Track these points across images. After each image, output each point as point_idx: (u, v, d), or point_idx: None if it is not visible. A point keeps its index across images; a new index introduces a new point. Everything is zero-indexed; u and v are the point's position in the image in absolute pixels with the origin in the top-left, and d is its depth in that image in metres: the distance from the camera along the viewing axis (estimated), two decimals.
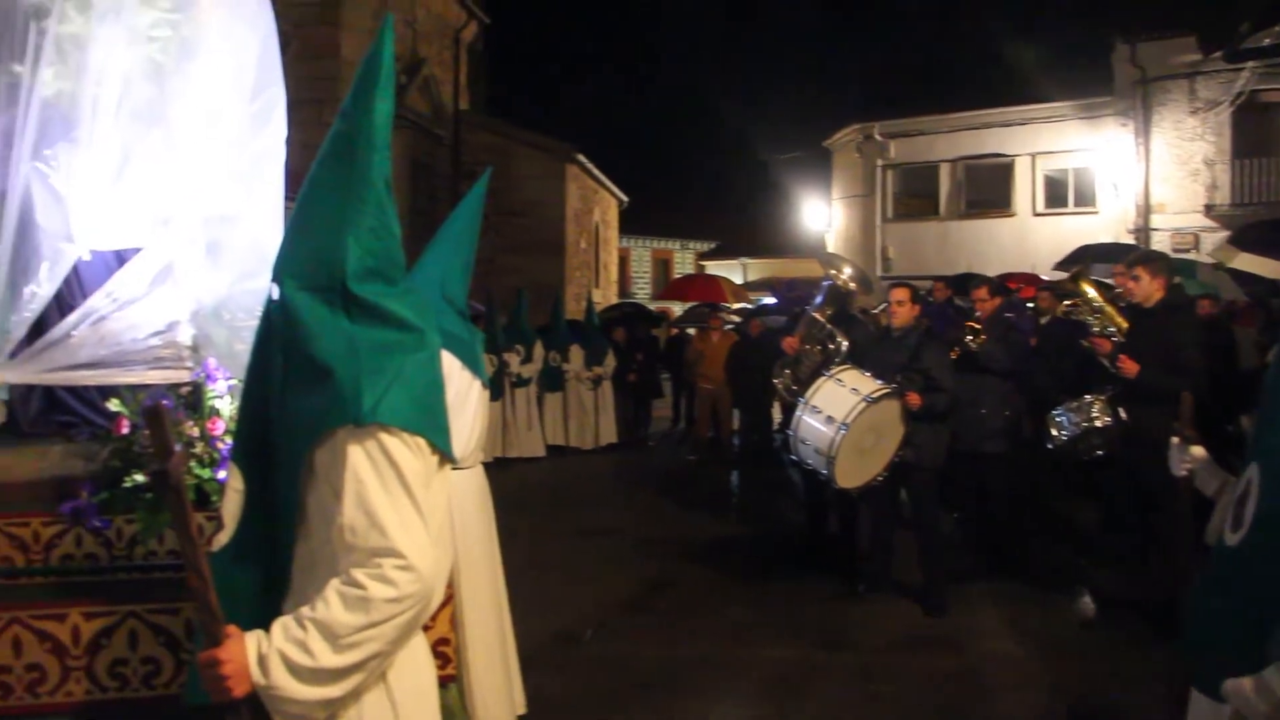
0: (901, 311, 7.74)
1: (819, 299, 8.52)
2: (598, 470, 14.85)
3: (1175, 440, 3.80)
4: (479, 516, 4.90)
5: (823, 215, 34.99)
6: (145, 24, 4.01)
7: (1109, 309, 7.37)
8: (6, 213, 3.79)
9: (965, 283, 10.75)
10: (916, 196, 30.37)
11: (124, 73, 3.96)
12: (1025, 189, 28.21)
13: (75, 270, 3.98)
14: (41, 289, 3.86)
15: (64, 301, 3.96)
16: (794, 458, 7.74)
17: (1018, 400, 8.79)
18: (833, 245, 32.80)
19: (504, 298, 16.59)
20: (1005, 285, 11.58)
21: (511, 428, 15.36)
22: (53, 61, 3.85)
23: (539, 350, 15.92)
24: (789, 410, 8.20)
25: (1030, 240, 26.96)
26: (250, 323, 4.12)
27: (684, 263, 46.90)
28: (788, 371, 8.41)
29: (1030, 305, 11.83)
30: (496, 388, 14.28)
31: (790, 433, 7.59)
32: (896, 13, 60.53)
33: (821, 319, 8.34)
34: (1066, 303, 8.32)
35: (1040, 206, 27.99)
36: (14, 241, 3.82)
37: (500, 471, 4.77)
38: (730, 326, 18.02)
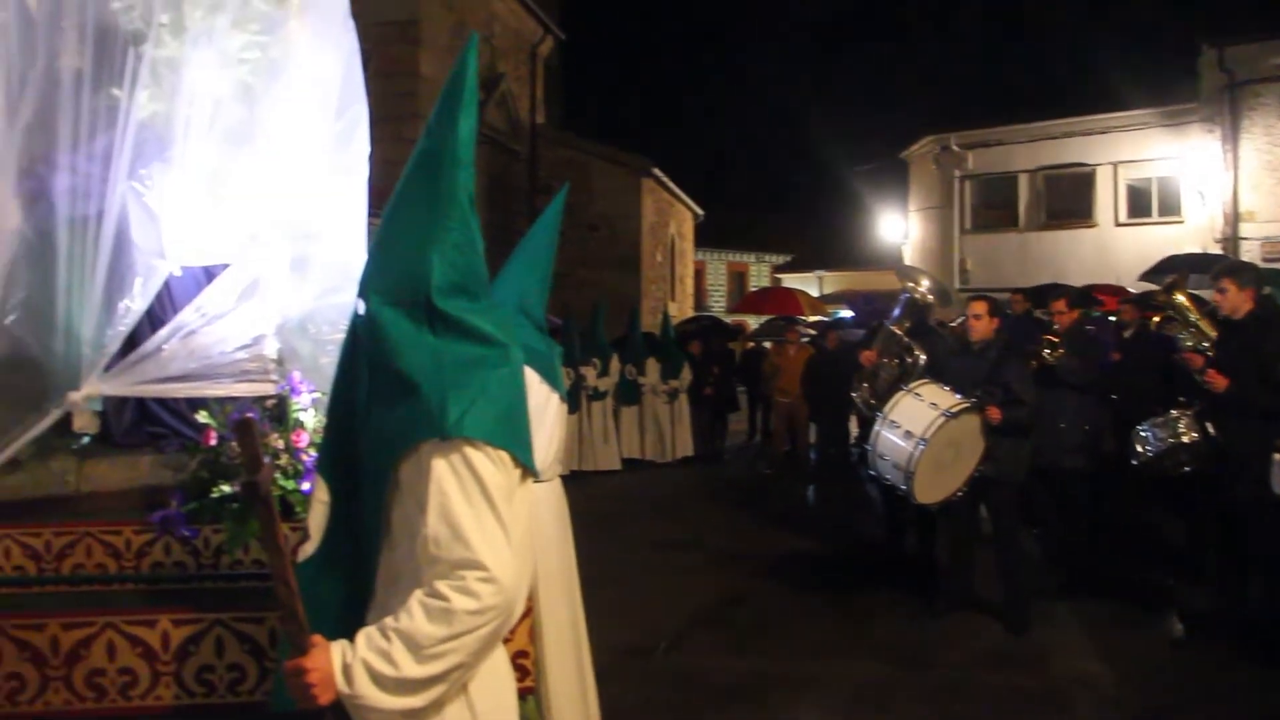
0: (980, 325, 7.64)
1: (897, 312, 8.46)
2: (673, 484, 14.84)
3: (1277, 457, 3.70)
4: (556, 530, 4.93)
5: (899, 227, 34.71)
6: (236, 47, 4.13)
7: (1203, 323, 7.21)
8: (104, 230, 3.93)
9: (1044, 295, 10.59)
10: (995, 208, 29.94)
11: (215, 94, 4.09)
12: (1107, 199, 27.66)
13: (167, 286, 4.11)
14: (135, 304, 3.98)
15: (155, 316, 4.08)
16: (872, 472, 7.68)
17: (1099, 415, 8.63)
18: (909, 258, 32.51)
19: (581, 311, 16.67)
20: (1090, 297, 11.38)
21: (587, 441, 15.42)
22: (148, 84, 3.99)
23: (615, 364, 15.95)
24: (866, 424, 8.15)
25: (1112, 251, 26.44)
26: (334, 336, 4.21)
27: (759, 276, 46.76)
28: (865, 385, 8.35)
29: (1113, 318, 11.61)
30: (573, 401, 14.34)
31: (868, 447, 7.53)
32: (973, 22, 59.92)
33: (899, 332, 8.28)
34: (1157, 316, 8.16)
35: (1123, 216, 27.44)
36: (110, 258, 3.95)
37: (576, 485, 4.79)
38: (807, 339, 17.92)
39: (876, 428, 7.36)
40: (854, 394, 8.49)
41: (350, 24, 4.47)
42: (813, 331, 20.56)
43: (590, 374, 15.42)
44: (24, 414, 3.90)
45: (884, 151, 35.64)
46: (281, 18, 4.23)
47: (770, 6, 79.19)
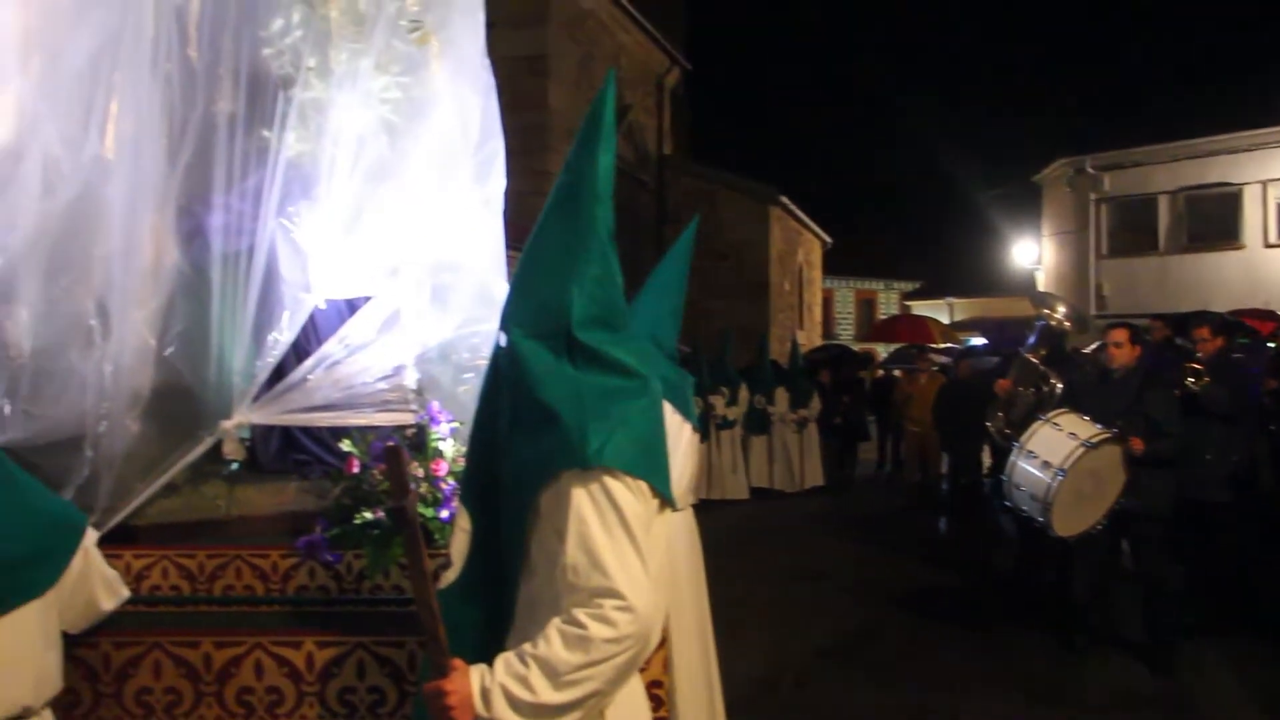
0: (1121, 353, 7.43)
1: (1032, 339, 8.29)
2: (803, 513, 14.71)
3: None
4: (688, 559, 4.94)
5: (1032, 252, 33.89)
6: (378, 87, 4.29)
7: None
8: (254, 266, 4.10)
9: (1185, 321, 10.23)
10: (1133, 230, 28.96)
11: (359, 133, 4.24)
12: (1255, 219, 26.51)
13: (311, 318, 4.26)
14: (283, 336, 4.13)
15: (301, 348, 4.23)
16: (1007, 503, 7.51)
17: (1249, 446, 8.28)
18: (1043, 283, 31.72)
19: (709, 340, 16.69)
20: (1238, 323, 10.94)
21: (716, 470, 15.40)
22: (296, 126, 4.16)
23: (744, 393, 15.93)
24: (1000, 454, 7.98)
25: (1261, 274, 25.35)
26: (474, 366, 4.31)
27: (888, 303, 46.19)
28: (1000, 414, 8.20)
29: (1271, 344, 11.13)
30: (702, 430, 14.33)
31: (1003, 478, 7.37)
32: (1106, 40, 58.43)
33: (1035, 360, 8.10)
34: None
35: (1272, 237, 26.25)
36: (260, 292, 4.11)
37: (704, 513, 4.80)
38: (938, 368, 17.64)
39: (1013, 458, 7.21)
40: (988, 423, 8.33)
41: (486, 62, 4.61)
42: (944, 359, 20.23)
43: (719, 403, 15.41)
44: (179, 441, 4.07)
45: (1015, 175, 34.96)
46: (422, 58, 4.37)
47: (897, 31, 78.52)
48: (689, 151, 30.85)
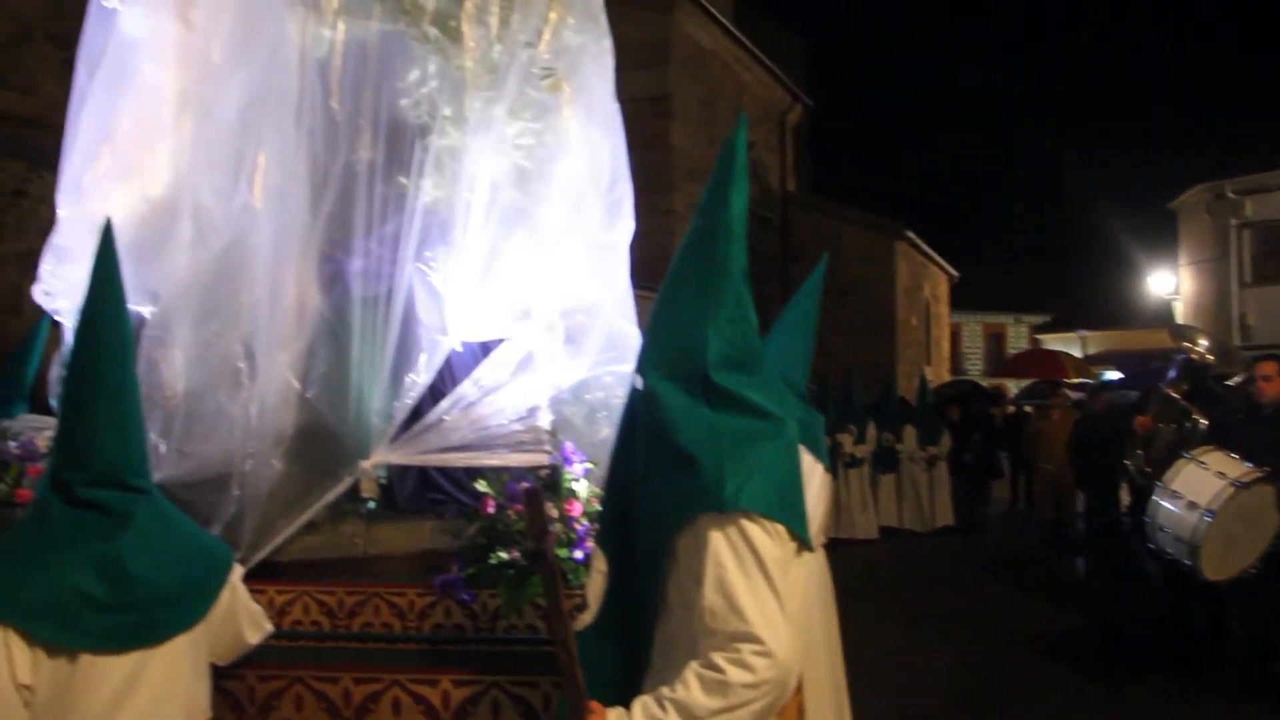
0: (1271, 386, 7.13)
1: (1172, 373, 8.02)
2: (933, 553, 14.43)
3: None
4: (821, 601, 4.86)
5: (1169, 282, 32.82)
6: (512, 134, 4.39)
7: None
8: (393, 309, 4.22)
9: None
10: (1278, 257, 27.83)
11: (492, 179, 4.34)
12: None
13: (447, 360, 4.34)
14: (420, 378, 4.23)
15: (437, 389, 4.31)
16: (1150, 545, 7.25)
17: None
18: (1181, 314, 30.68)
19: (835, 377, 16.54)
20: None
21: (844, 508, 15.21)
22: (432, 173, 4.28)
23: (872, 430, 15.73)
24: (1140, 493, 7.72)
25: None
26: (609, 404, 4.36)
27: (1018, 337, 45.16)
28: (1140, 452, 7.94)
29: None
30: (830, 468, 14.19)
31: (1145, 519, 7.12)
32: (1244, 61, 56.55)
33: (1176, 395, 7.83)
34: None
35: None
36: (398, 335, 4.23)
37: (832, 553, 4.72)
38: (1072, 403, 17.16)
39: (1155, 498, 6.97)
40: (1127, 461, 8.07)
41: (615, 106, 4.69)
42: (1078, 395, 19.69)
43: (847, 441, 15.25)
44: (321, 480, 4.18)
45: (1149, 202, 33.99)
46: (554, 104, 4.46)
47: (1023, 58, 77.19)
48: (812, 187, 30.77)
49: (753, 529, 2.34)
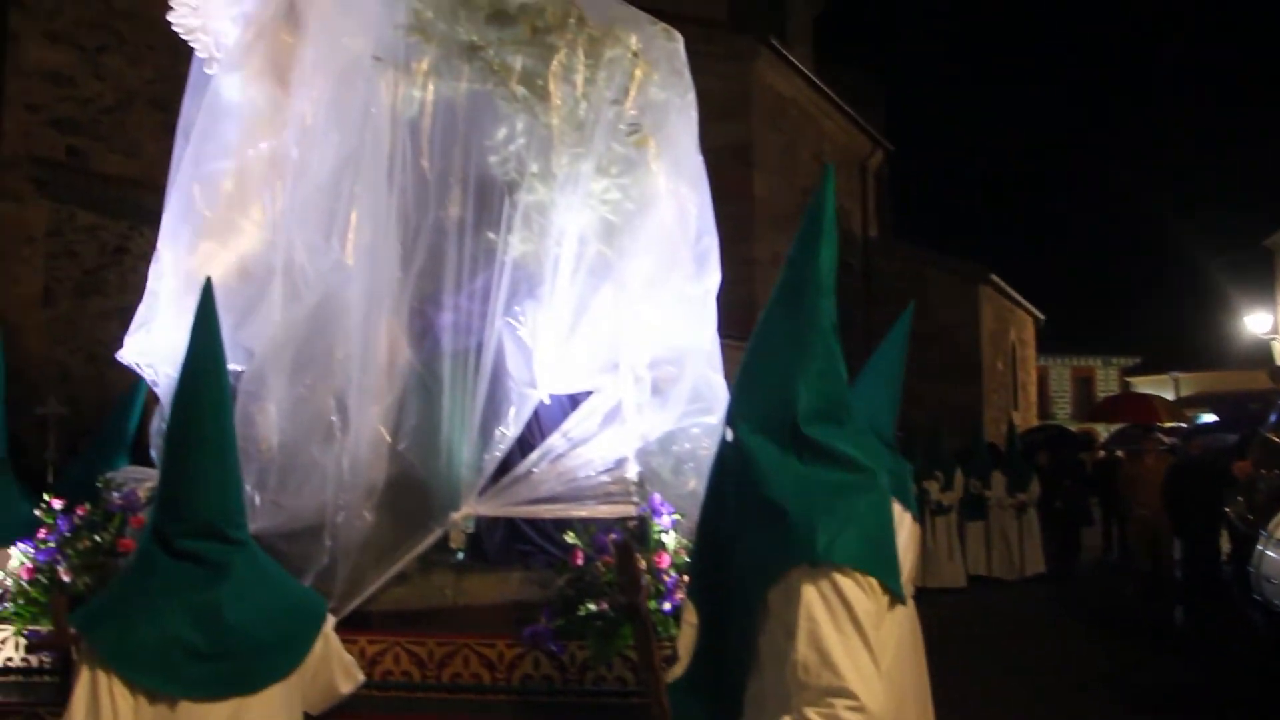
0: None
1: (1274, 417, 7.82)
2: (1024, 603, 14.12)
3: None
4: (910, 651, 4.79)
5: (1266, 322, 31.92)
6: (599, 189, 4.45)
7: None
8: (483, 363, 4.29)
9: None
10: None
11: (580, 233, 4.41)
12: None
13: (535, 413, 4.40)
14: (509, 430, 4.28)
15: (525, 441, 4.36)
16: (1256, 596, 7.03)
17: None
18: None
19: (920, 423, 16.35)
20: None
21: (932, 557, 14.97)
22: (520, 228, 4.37)
23: (959, 477, 15.51)
24: (1241, 541, 7.51)
25: None
26: (697, 455, 4.36)
27: (1107, 380, 44.27)
28: (1240, 499, 7.75)
29: None
30: (918, 517, 14.01)
31: (1250, 569, 6.92)
32: None
33: (1277, 439, 7.63)
34: None
35: None
36: (488, 388, 4.29)
37: (920, 602, 4.63)
38: (1166, 447, 16.75)
39: (1260, 547, 6.78)
40: (1227, 508, 7.87)
41: (700, 159, 4.74)
42: (1172, 439, 19.22)
43: (934, 488, 15.05)
44: (411, 531, 4.23)
45: (1244, 240, 33.19)
46: (640, 159, 4.52)
47: (1109, 95, 76.23)
48: (895, 233, 30.61)
49: (845, 582, 2.33)
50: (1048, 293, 34.56)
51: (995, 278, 27.52)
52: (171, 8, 5.20)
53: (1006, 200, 66.47)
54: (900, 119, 32.10)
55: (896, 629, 2.56)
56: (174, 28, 5.24)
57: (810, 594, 2.31)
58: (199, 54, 5.24)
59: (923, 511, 14.50)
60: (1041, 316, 34.27)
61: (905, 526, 4.57)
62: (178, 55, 5.81)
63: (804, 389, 2.49)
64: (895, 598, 2.46)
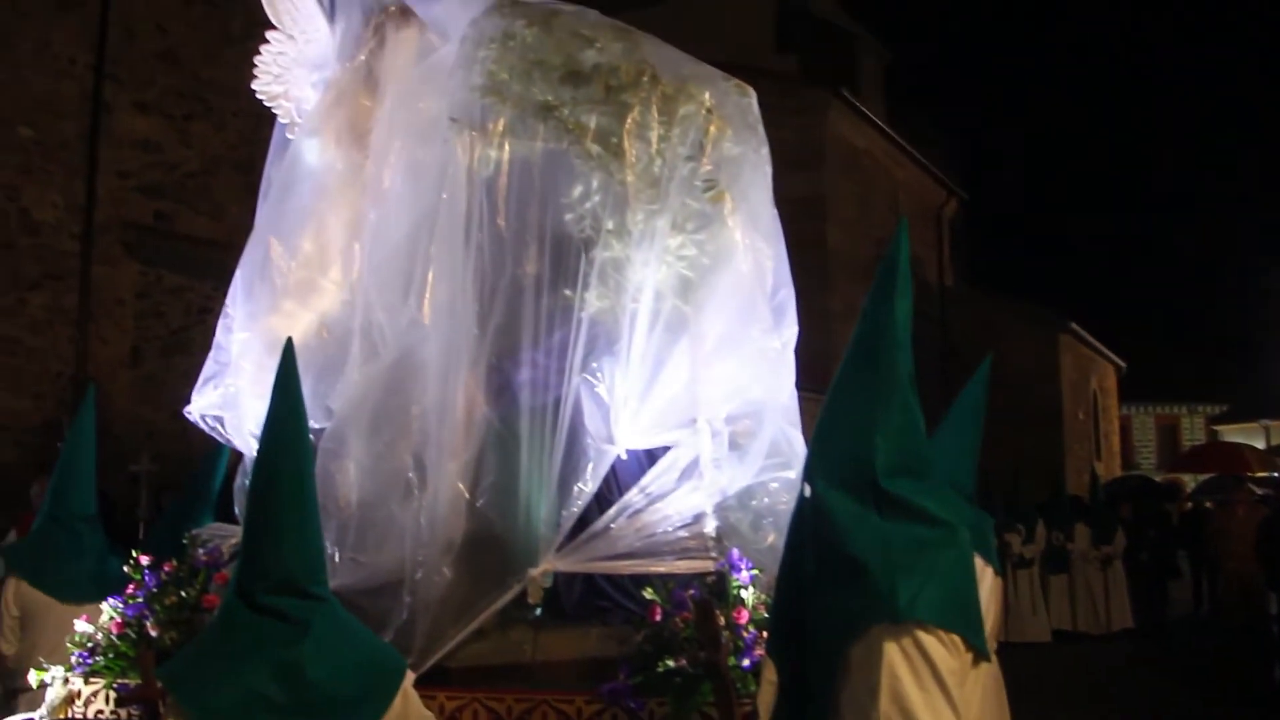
0: None
1: None
2: (1111, 659, 13.74)
3: None
4: (994, 708, 4.68)
5: None
6: (674, 245, 4.48)
7: None
8: (560, 419, 4.31)
9: None
10: None
11: (656, 289, 4.43)
12: None
13: (613, 468, 4.42)
14: (587, 486, 4.29)
15: (603, 497, 4.38)
16: None
17: None
18: None
19: (1000, 475, 16.08)
20: None
21: (1015, 611, 14.66)
22: (596, 284, 4.40)
23: (1040, 529, 15.20)
24: None
25: None
26: (775, 510, 4.34)
27: (1192, 429, 43.17)
28: None
29: None
30: (999, 570, 13.76)
31: None
32: None
33: None
34: None
35: None
36: (565, 444, 4.31)
37: (1004, 657, 4.52)
38: (1258, 498, 16.26)
39: None
40: None
41: (774, 212, 4.76)
42: (1264, 489, 18.68)
43: (1015, 541, 14.77)
44: (490, 587, 4.24)
45: None
46: (716, 215, 4.53)
47: (1191, 134, 75.08)
48: (970, 281, 30.34)
49: (928, 639, 2.29)
50: (1130, 339, 33.96)
51: (1075, 325, 27.13)
52: (256, 76, 5.36)
53: (1087, 245, 65.42)
54: (975, 166, 31.92)
55: (980, 686, 2.50)
56: (258, 95, 5.41)
57: (892, 651, 2.27)
58: (281, 119, 5.40)
59: (1004, 565, 14.21)
60: (1123, 364, 33.65)
61: (987, 580, 4.49)
62: (259, 120, 6.01)
63: (882, 443, 2.47)
64: (979, 654, 2.41)
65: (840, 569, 2.40)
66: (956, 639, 2.34)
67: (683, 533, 4.30)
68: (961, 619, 2.37)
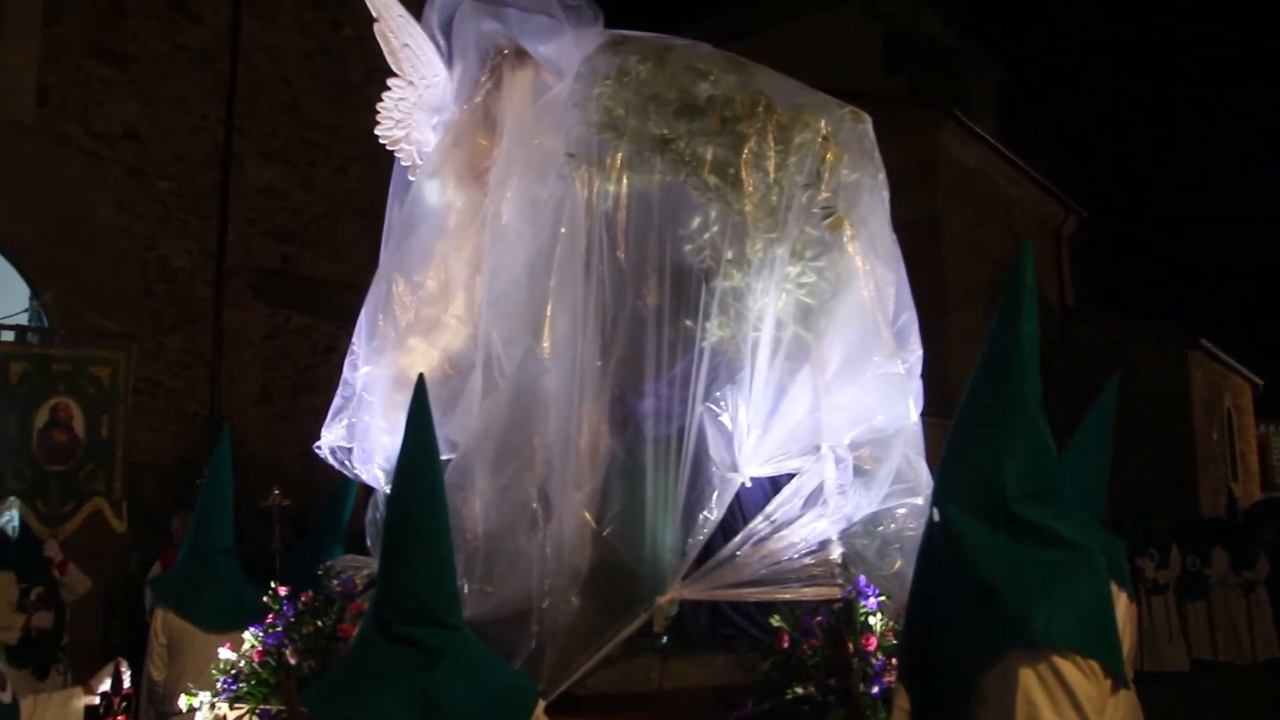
0: None
1: None
2: (1256, 690, 13.17)
3: None
4: None
5: None
6: (794, 273, 4.51)
7: None
8: (685, 448, 4.36)
9: None
10: None
11: (777, 317, 4.46)
12: None
13: (737, 496, 4.43)
14: (712, 514, 4.32)
15: (727, 525, 4.40)
16: None
17: None
18: None
19: (1130, 499, 15.62)
20: None
21: (1150, 638, 14.17)
22: (716, 314, 4.45)
23: (1175, 554, 14.69)
24: None
25: None
26: (902, 536, 4.31)
27: None
28: None
29: None
30: (1133, 596, 13.33)
31: None
32: None
33: None
34: None
35: None
36: (690, 473, 4.35)
37: (1140, 687, 4.38)
38: None
39: None
40: None
41: (893, 237, 4.75)
42: None
43: (1148, 566, 14.30)
44: (616, 616, 4.28)
45: None
46: (836, 241, 4.55)
47: None
48: (1093, 300, 29.59)
49: (1065, 666, 2.25)
50: (1266, 354, 32.72)
51: (1205, 342, 26.23)
52: (378, 122, 5.54)
53: (1217, 258, 63.09)
54: (1094, 182, 31.11)
55: (1119, 715, 2.44)
56: (381, 140, 5.58)
57: (1028, 678, 2.24)
58: (402, 162, 5.57)
59: (1138, 590, 13.78)
60: (1259, 381, 32.40)
61: (1121, 605, 4.36)
62: (376, 164, 6.21)
63: (1012, 466, 2.44)
64: (1118, 680, 2.36)
65: (972, 594, 2.38)
66: (1095, 665, 2.30)
67: (808, 560, 4.30)
68: (1099, 644, 2.33)
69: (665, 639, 4.44)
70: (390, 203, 5.60)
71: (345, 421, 5.31)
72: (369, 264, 5.76)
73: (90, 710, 3.95)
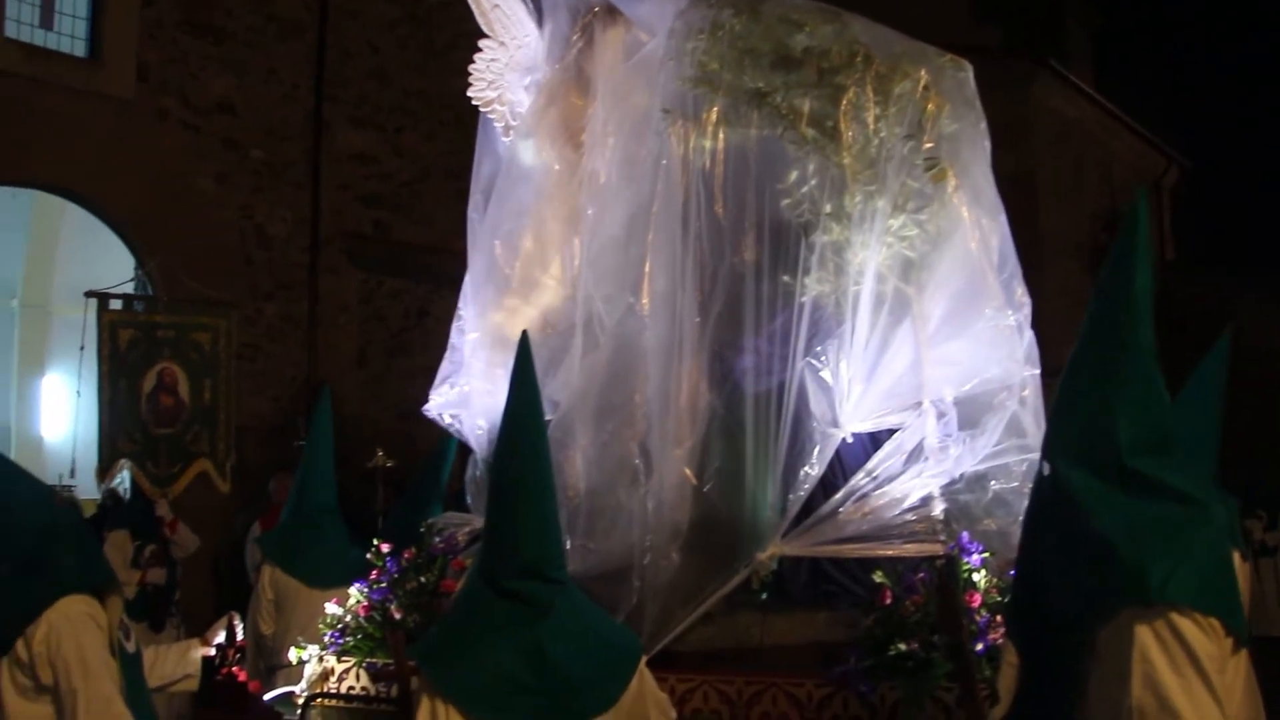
0: None
1: None
2: None
3: None
4: (1247, 704, 4.46)
5: None
6: (896, 226, 4.44)
7: None
8: (785, 404, 4.34)
9: None
10: None
11: (877, 271, 4.40)
12: None
13: (838, 452, 4.40)
14: (812, 470, 4.30)
15: (828, 481, 4.38)
16: None
17: None
18: None
19: (1238, 457, 15.21)
20: None
21: (1257, 601, 13.80)
22: (816, 268, 4.41)
23: None
24: None
25: None
26: (1008, 492, 4.25)
27: None
28: None
29: None
30: (1246, 556, 13.01)
31: None
32: None
33: None
34: None
35: None
36: (790, 429, 4.33)
37: (1251, 651, 4.26)
38: None
39: None
40: None
41: (994, 188, 4.65)
42: None
43: (1256, 527, 13.87)
44: (717, 572, 4.29)
45: None
46: (938, 193, 4.46)
47: None
48: (1198, 254, 28.71)
49: (1184, 623, 2.20)
50: None
51: None
52: (471, 84, 5.56)
53: None
54: (1198, 132, 29.98)
55: (1241, 675, 2.39)
56: (474, 102, 5.60)
57: (1145, 635, 2.19)
58: (495, 123, 5.58)
59: (1245, 553, 13.44)
60: None
61: (1235, 565, 4.28)
62: (464, 128, 6.23)
63: (1125, 419, 2.38)
64: (1239, 639, 2.30)
65: (1084, 550, 2.33)
66: (1215, 623, 2.25)
67: (910, 516, 4.25)
68: (1220, 602, 2.28)
69: (765, 595, 4.45)
70: (476, 164, 5.62)
71: (454, 386, 5.38)
72: (459, 228, 5.80)
73: (206, 660, 4.07)
